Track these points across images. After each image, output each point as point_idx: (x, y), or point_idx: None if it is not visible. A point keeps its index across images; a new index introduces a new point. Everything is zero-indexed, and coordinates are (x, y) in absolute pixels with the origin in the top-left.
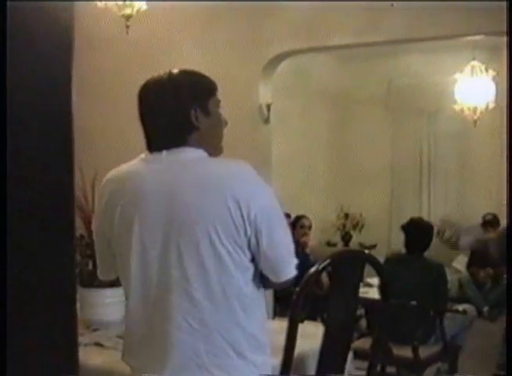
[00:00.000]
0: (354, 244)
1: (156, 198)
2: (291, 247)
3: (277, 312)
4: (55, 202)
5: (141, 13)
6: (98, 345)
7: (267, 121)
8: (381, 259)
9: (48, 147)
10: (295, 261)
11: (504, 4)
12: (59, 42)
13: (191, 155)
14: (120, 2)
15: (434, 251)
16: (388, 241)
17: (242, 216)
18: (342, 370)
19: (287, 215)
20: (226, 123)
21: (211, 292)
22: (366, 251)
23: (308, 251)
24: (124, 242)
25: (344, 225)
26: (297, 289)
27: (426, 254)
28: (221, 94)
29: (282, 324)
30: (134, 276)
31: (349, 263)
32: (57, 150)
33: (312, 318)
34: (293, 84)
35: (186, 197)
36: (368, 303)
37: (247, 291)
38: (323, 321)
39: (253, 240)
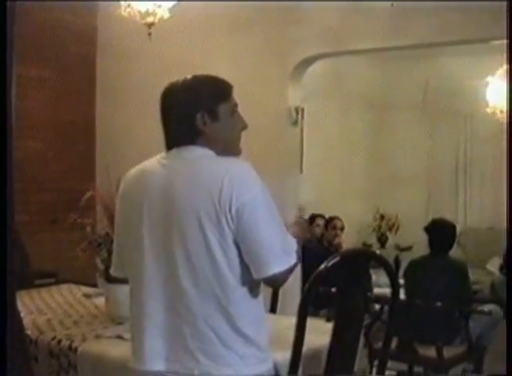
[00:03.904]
0: (390, 245)
1: (157, 192)
2: (276, 245)
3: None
4: None
5: (163, 21)
6: (119, 337)
7: (295, 123)
8: None
9: None
10: (281, 259)
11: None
12: None
13: (196, 153)
14: (143, 11)
15: (469, 252)
16: (424, 243)
17: (224, 210)
18: (351, 369)
19: (321, 217)
20: (245, 126)
21: (198, 282)
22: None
23: None
24: (135, 235)
25: (379, 227)
26: (306, 285)
27: (462, 256)
28: (249, 97)
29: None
30: (141, 268)
31: (357, 261)
32: None
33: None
34: (328, 87)
35: (178, 190)
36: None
37: (235, 284)
38: (332, 318)
39: (237, 236)
